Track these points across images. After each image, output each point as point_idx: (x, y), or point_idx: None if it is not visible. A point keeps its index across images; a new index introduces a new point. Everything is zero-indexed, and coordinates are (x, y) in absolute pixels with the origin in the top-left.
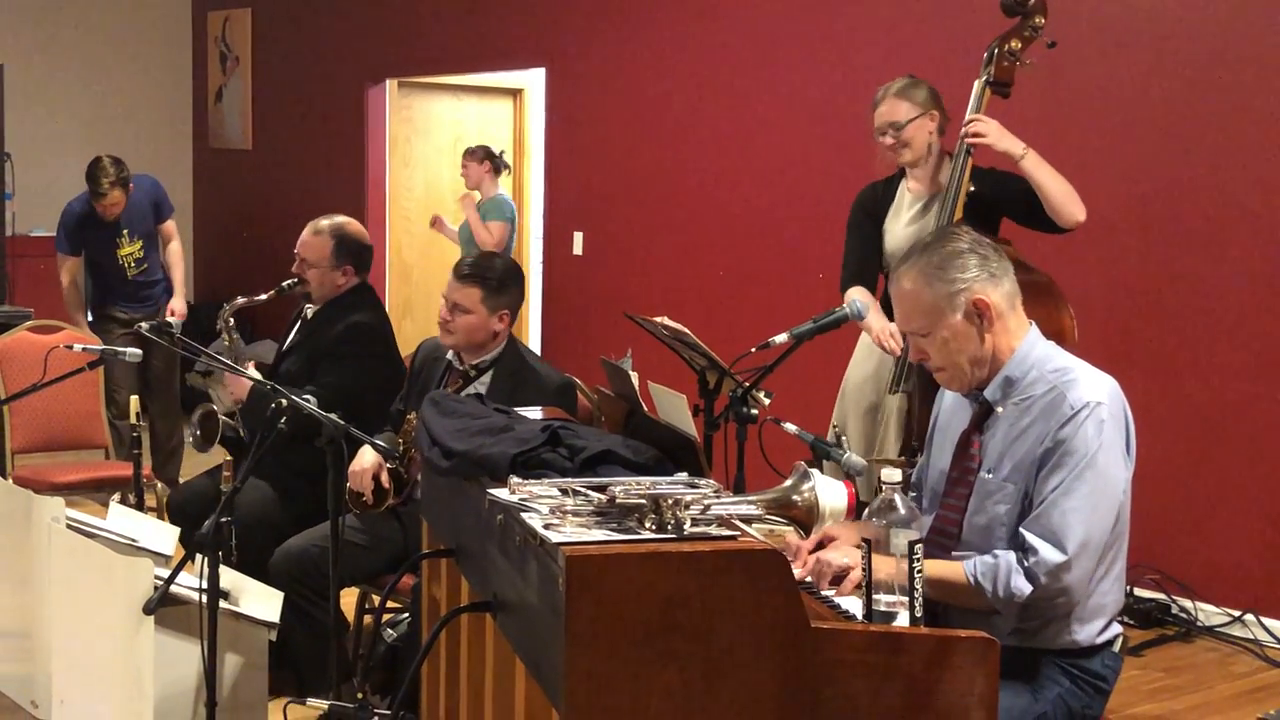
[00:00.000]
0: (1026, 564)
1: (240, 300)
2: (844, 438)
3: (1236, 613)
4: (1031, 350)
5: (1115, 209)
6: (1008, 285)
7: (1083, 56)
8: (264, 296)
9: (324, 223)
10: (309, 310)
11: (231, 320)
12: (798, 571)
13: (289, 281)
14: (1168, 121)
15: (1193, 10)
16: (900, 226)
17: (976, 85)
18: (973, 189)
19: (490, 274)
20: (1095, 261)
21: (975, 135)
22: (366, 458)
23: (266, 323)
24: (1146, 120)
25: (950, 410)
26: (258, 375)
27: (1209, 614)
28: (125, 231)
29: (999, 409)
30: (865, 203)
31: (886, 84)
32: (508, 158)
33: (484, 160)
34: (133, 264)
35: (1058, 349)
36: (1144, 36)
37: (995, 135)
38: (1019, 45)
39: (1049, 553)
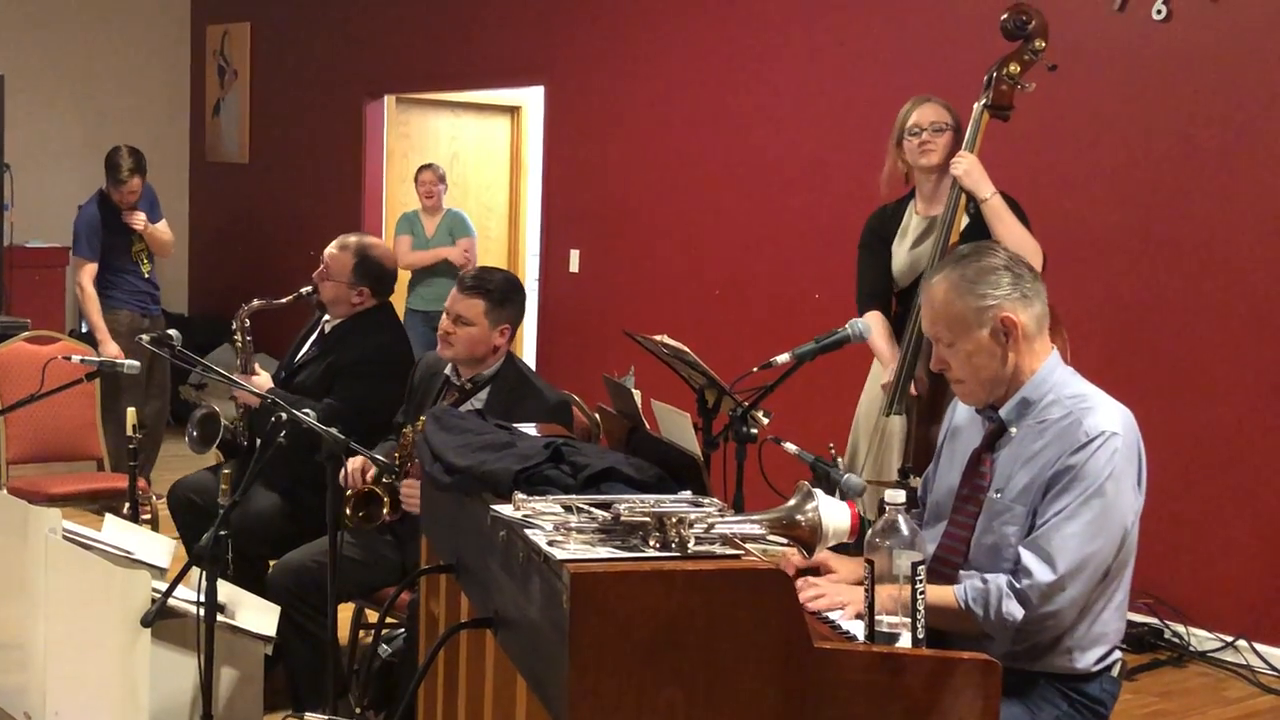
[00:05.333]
0: (1019, 585)
1: (258, 302)
2: (839, 458)
3: (1229, 638)
4: (1051, 374)
5: (1109, 231)
6: (1039, 307)
7: (1081, 77)
8: (283, 300)
9: (351, 239)
10: (327, 325)
11: (248, 322)
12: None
13: (306, 289)
14: (1165, 143)
15: (1194, 30)
16: (904, 250)
17: (975, 108)
18: (970, 214)
19: (494, 286)
20: (1088, 283)
21: (954, 169)
22: (353, 460)
23: (280, 333)
24: (1144, 142)
25: (962, 426)
26: (252, 387)
27: (1202, 639)
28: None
29: (1012, 429)
30: (875, 225)
31: (918, 96)
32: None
33: (444, 178)
34: (145, 260)
35: (1076, 375)
36: (1144, 57)
37: (969, 174)
38: (1018, 69)
39: (1041, 572)
